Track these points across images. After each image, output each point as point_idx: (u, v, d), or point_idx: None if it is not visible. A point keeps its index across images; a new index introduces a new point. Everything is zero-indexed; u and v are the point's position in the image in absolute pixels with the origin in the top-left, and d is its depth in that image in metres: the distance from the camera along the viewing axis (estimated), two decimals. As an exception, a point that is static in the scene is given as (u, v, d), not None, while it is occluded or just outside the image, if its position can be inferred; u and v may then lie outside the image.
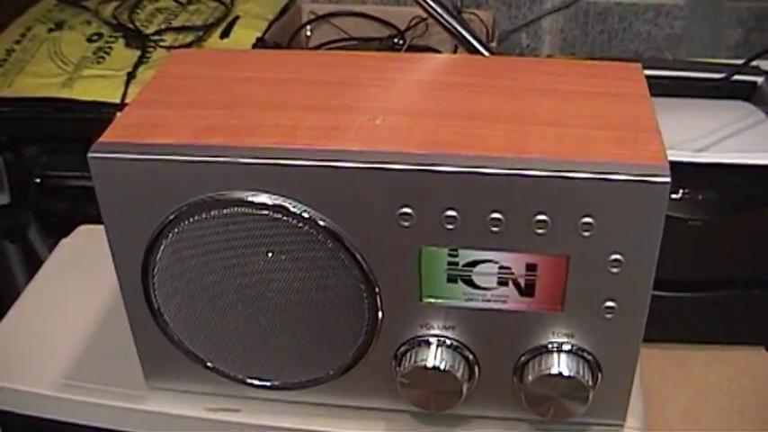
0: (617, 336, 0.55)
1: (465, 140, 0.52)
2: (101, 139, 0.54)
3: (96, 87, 1.16)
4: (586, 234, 0.51)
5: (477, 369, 0.58)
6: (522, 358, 0.57)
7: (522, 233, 0.51)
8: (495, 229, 0.51)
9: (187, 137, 0.54)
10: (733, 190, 1.02)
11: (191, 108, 0.57)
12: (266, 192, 0.53)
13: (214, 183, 0.53)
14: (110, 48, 1.29)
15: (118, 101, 1.13)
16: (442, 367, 0.56)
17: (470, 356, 0.57)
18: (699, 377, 1.06)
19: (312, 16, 1.42)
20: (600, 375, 0.57)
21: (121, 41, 1.31)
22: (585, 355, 0.56)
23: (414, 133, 0.52)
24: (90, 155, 0.53)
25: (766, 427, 0.98)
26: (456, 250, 0.53)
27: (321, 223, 0.53)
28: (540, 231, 0.51)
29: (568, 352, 0.56)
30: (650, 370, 1.08)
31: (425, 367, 0.56)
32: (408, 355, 0.57)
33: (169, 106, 0.57)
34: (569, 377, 0.55)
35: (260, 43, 1.26)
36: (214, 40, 1.31)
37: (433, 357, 0.56)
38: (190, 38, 1.31)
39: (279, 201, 0.53)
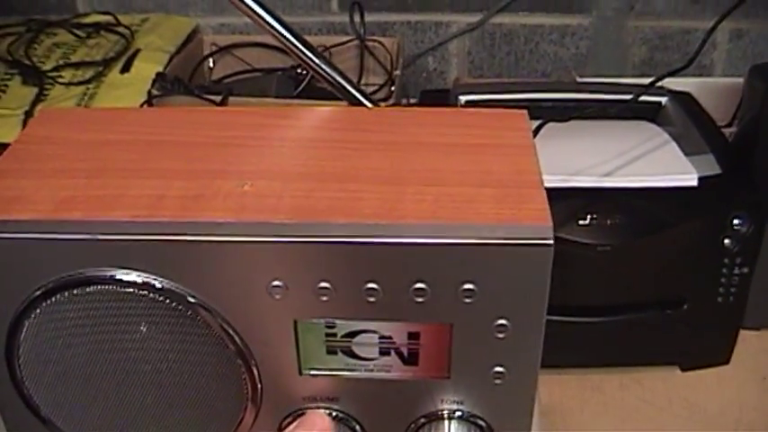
0: (508, 400, 0.53)
1: (337, 206, 0.49)
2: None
3: (-8, 127, 1.12)
4: (468, 301, 0.49)
5: (365, 440, 0.55)
6: (413, 426, 0.55)
7: (400, 302, 0.49)
8: (371, 299, 0.49)
9: (46, 211, 0.51)
10: (641, 213, 1.01)
11: (53, 177, 0.54)
12: (130, 268, 0.50)
13: (75, 260, 0.50)
14: (5, 85, 1.25)
15: (15, 141, 1.08)
16: (327, 441, 0.53)
17: (357, 427, 0.55)
18: (616, 401, 1.06)
19: (214, 48, 1.39)
20: (494, 440, 0.55)
21: (18, 78, 1.27)
22: (478, 420, 0.54)
23: (283, 200, 0.50)
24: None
25: (683, 449, 0.98)
26: (333, 322, 0.50)
27: (191, 300, 0.50)
28: (419, 300, 0.49)
29: (459, 419, 0.54)
30: (567, 396, 1.07)
31: (310, 441, 0.54)
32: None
33: (30, 175, 0.54)
34: (462, 445, 0.53)
35: (160, 77, 1.22)
36: (114, 74, 1.27)
37: (318, 431, 0.54)
38: (89, 73, 1.27)
39: (144, 277, 0.50)
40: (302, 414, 0.54)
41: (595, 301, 1.06)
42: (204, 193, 0.51)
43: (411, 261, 0.48)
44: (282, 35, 0.61)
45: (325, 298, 0.49)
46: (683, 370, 1.10)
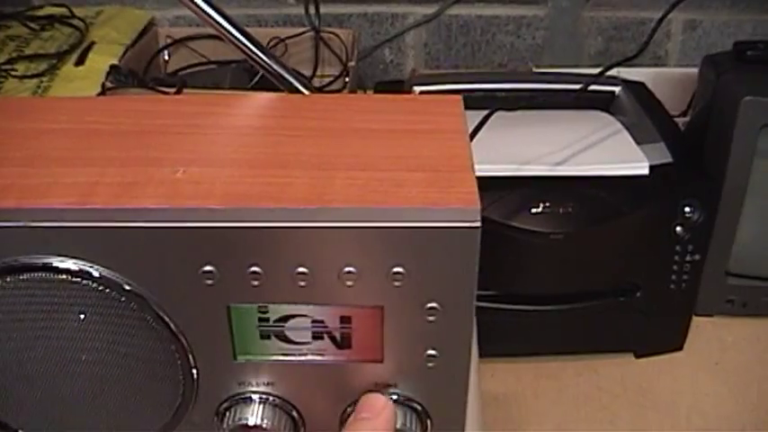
0: (442, 383, 0.54)
1: (268, 191, 0.49)
2: None
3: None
4: (398, 284, 0.49)
5: (302, 425, 0.55)
6: (348, 409, 0.55)
7: (331, 286, 0.49)
8: (302, 283, 0.49)
9: (-21, 199, 0.50)
10: (593, 202, 1.02)
11: (-15, 167, 0.53)
12: (64, 255, 0.50)
13: (8, 248, 0.50)
14: (-42, 78, 1.24)
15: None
16: (263, 425, 0.54)
17: (294, 411, 0.55)
18: (571, 388, 1.07)
19: (169, 40, 1.38)
20: (429, 423, 0.55)
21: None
22: (413, 404, 0.54)
23: (215, 186, 0.50)
24: None
25: (636, 434, 0.99)
26: (266, 306, 0.51)
27: (125, 287, 0.50)
28: (349, 283, 0.49)
29: (394, 402, 0.54)
30: (523, 384, 1.08)
31: (247, 425, 0.54)
32: (229, 413, 0.55)
33: (-36, 164, 0.54)
34: (397, 428, 0.53)
35: (115, 70, 1.22)
36: (68, 67, 1.26)
37: (254, 415, 0.54)
38: (43, 66, 1.26)
39: (78, 264, 0.50)
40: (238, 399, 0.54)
41: (549, 289, 1.07)
42: (137, 181, 0.51)
43: (340, 245, 0.48)
44: (216, 21, 0.61)
45: (256, 282, 0.49)
46: (638, 357, 1.11)
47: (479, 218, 0.48)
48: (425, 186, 0.50)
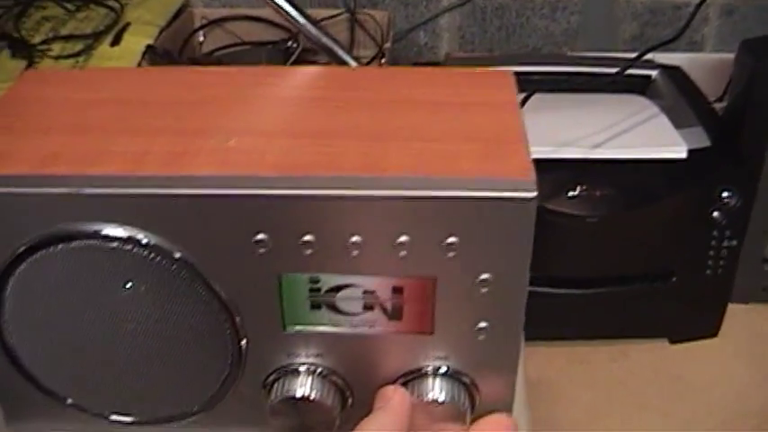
0: (493, 357, 0.53)
1: (321, 161, 0.49)
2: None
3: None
4: (452, 255, 0.49)
5: (350, 396, 0.55)
6: (397, 382, 0.55)
7: (384, 256, 0.49)
8: (355, 253, 0.49)
9: (30, 166, 0.50)
10: (630, 185, 1.01)
11: (36, 134, 0.53)
12: (114, 223, 0.50)
13: (59, 215, 0.50)
14: (-6, 59, 1.24)
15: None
16: (311, 397, 0.53)
17: (342, 383, 0.55)
18: (603, 373, 1.06)
19: (204, 21, 1.38)
20: (478, 397, 0.55)
21: (7, 52, 1.27)
22: (462, 377, 0.54)
23: (267, 155, 0.50)
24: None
25: (668, 419, 0.99)
26: (317, 276, 0.50)
27: (176, 255, 0.50)
28: (402, 253, 0.49)
29: (443, 375, 0.54)
30: (555, 368, 1.07)
31: (294, 397, 0.53)
32: (277, 385, 0.54)
33: (13, 132, 0.54)
34: (445, 402, 0.53)
35: (150, 50, 1.22)
36: (104, 48, 1.27)
37: (302, 387, 0.54)
38: (78, 46, 1.27)
39: (128, 232, 0.50)
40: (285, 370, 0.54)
41: (584, 273, 1.06)
42: (188, 150, 0.51)
43: (394, 214, 0.48)
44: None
45: (308, 252, 0.49)
46: (672, 342, 1.11)
47: (535, 188, 0.48)
48: (480, 157, 0.50)
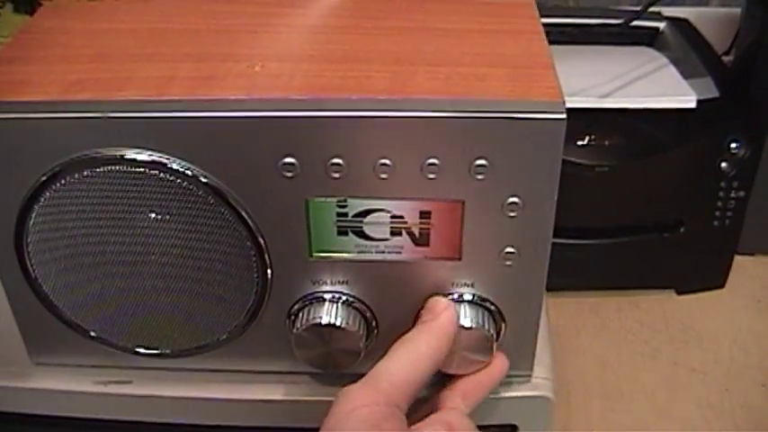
0: (519, 284, 0.53)
1: (349, 84, 0.49)
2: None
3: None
4: (480, 177, 0.49)
5: (375, 325, 0.55)
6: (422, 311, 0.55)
7: (412, 179, 0.49)
8: (383, 175, 0.49)
9: (55, 93, 0.50)
10: (639, 135, 1.01)
11: (58, 63, 0.53)
12: (141, 147, 0.49)
13: (85, 141, 0.50)
14: (-3, 14, 1.23)
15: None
16: (337, 324, 0.53)
17: (367, 312, 0.55)
18: (612, 323, 1.07)
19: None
20: (504, 326, 0.55)
21: (9, 6, 1.25)
22: (488, 305, 0.54)
23: (295, 79, 0.49)
24: (-53, 115, 0.49)
25: (677, 368, 0.99)
26: (345, 200, 0.50)
27: (202, 179, 0.50)
28: (431, 176, 0.49)
29: (470, 302, 0.54)
30: (564, 318, 1.07)
31: (320, 324, 0.53)
32: (302, 313, 0.54)
33: (36, 62, 0.53)
34: (471, 328, 0.53)
35: None
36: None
37: (327, 314, 0.54)
38: (81, 0, 1.25)
39: (155, 156, 0.50)
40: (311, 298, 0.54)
41: (593, 223, 1.06)
42: (214, 75, 0.50)
43: (423, 136, 0.48)
44: None
45: (336, 175, 0.49)
46: (679, 293, 1.11)
47: (564, 110, 0.47)
48: (508, 81, 0.49)
